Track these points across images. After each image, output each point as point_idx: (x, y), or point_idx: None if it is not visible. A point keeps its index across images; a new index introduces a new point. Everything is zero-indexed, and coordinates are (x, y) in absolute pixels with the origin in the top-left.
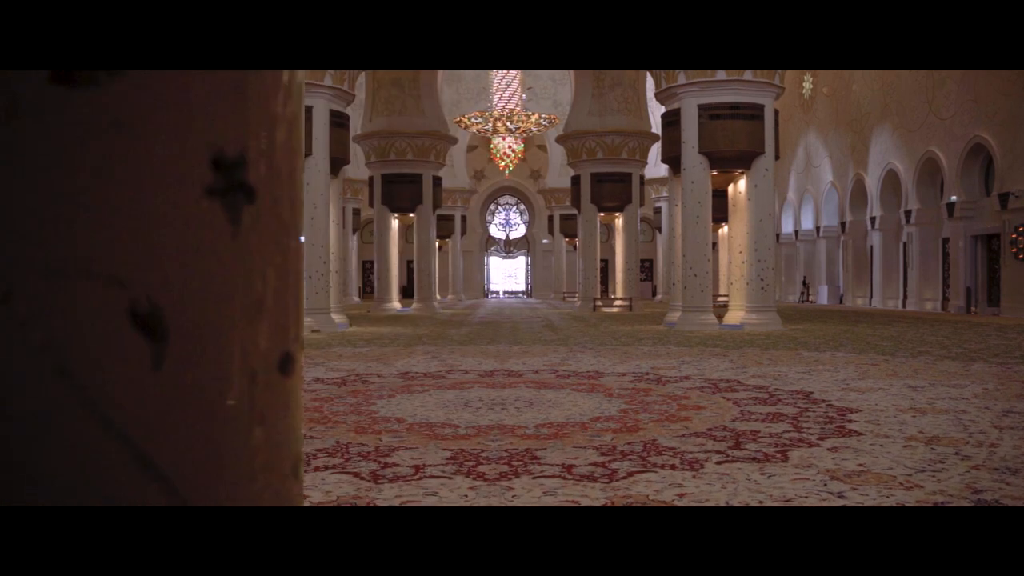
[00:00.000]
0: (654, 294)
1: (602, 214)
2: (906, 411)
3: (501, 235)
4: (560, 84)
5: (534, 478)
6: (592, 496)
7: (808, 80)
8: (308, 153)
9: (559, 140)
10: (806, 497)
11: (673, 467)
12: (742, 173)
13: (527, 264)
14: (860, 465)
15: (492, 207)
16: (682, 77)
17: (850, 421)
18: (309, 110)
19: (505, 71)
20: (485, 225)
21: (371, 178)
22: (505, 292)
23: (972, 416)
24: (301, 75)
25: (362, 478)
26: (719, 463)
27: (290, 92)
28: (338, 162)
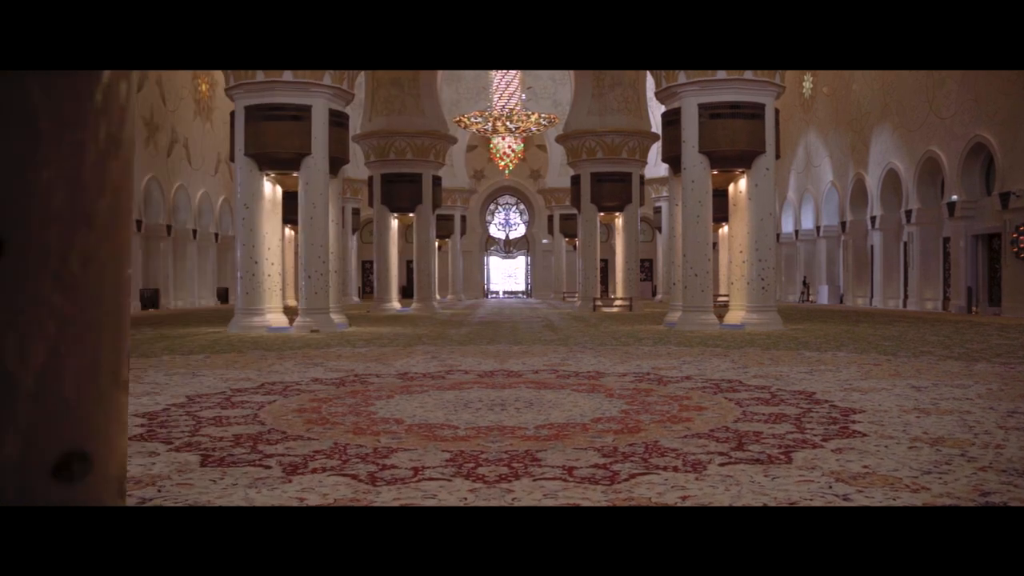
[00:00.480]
0: (654, 294)
1: (602, 214)
2: (910, 412)
3: (501, 235)
4: (560, 84)
5: (534, 480)
6: (594, 499)
7: (808, 80)
8: (307, 152)
9: (559, 140)
10: (811, 500)
11: (676, 469)
12: (742, 172)
13: (527, 264)
14: (865, 467)
15: (492, 207)
16: (682, 76)
17: (854, 422)
18: (308, 109)
19: (505, 71)
20: (485, 225)
21: (371, 178)
22: (505, 292)
23: (977, 417)
24: (125, 87)
25: (360, 480)
26: (722, 465)
27: (107, 107)
28: (337, 161)
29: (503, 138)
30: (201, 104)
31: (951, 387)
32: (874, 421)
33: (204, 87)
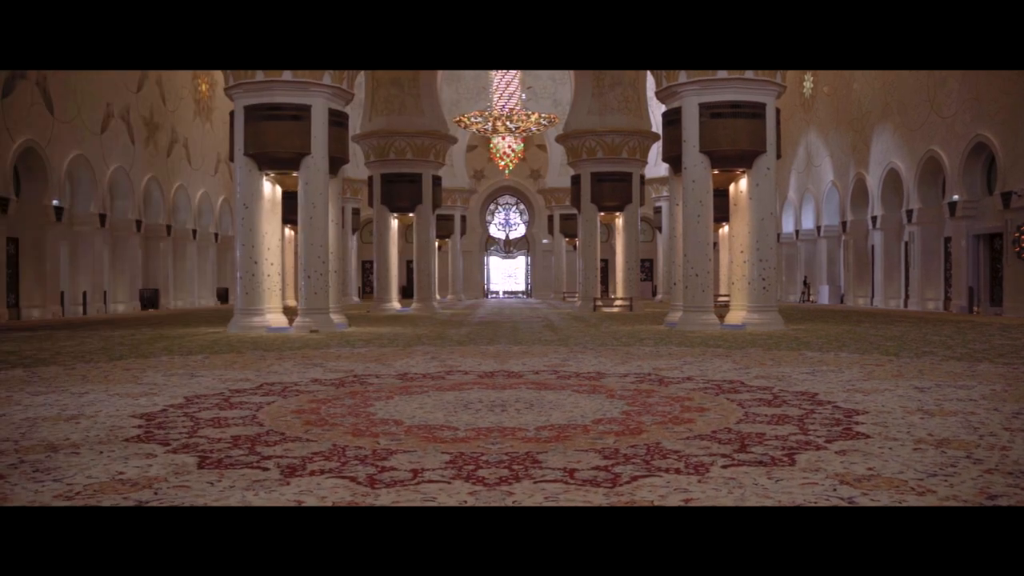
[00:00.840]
0: (654, 294)
1: (602, 214)
2: (913, 413)
3: (501, 235)
4: (560, 83)
5: (535, 483)
6: (595, 502)
7: (808, 79)
8: (307, 152)
9: (559, 139)
10: (815, 502)
11: (678, 471)
12: (743, 172)
13: (527, 264)
14: (870, 469)
15: (492, 207)
16: (683, 76)
17: (857, 423)
18: (307, 109)
19: (505, 71)
20: (485, 225)
21: (370, 178)
22: (505, 292)
23: (981, 418)
24: None
25: (359, 483)
26: (725, 467)
27: None
28: (337, 161)
29: (503, 138)
30: (201, 104)
31: (954, 388)
32: (878, 422)
33: (204, 87)
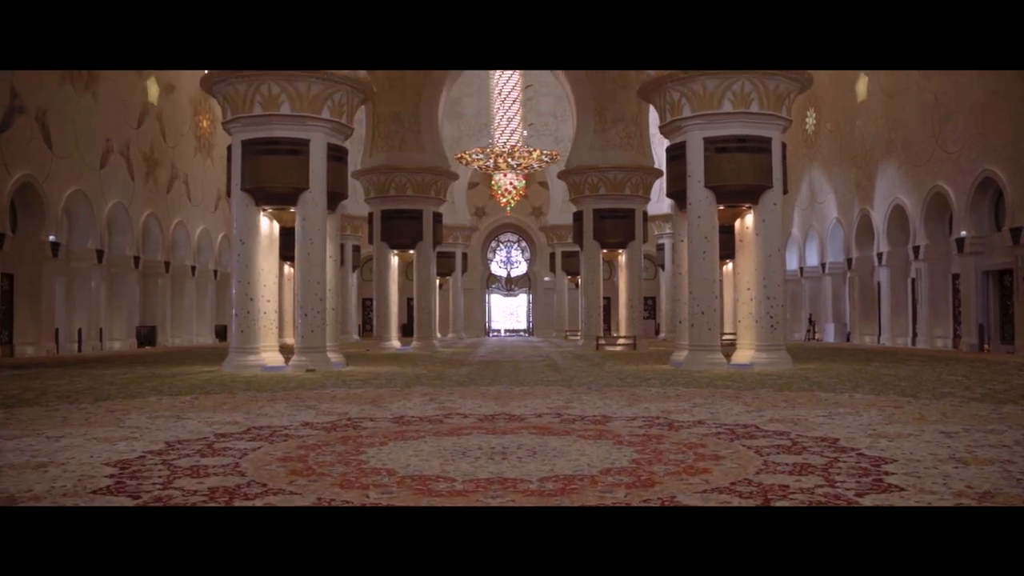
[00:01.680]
0: (657, 332)
1: (605, 251)
2: (946, 461)
3: (502, 272)
4: (561, 120)
5: None
6: None
7: (811, 115)
8: (304, 187)
9: (561, 176)
10: None
11: None
12: (749, 208)
13: (528, 302)
14: None
15: (493, 244)
16: (687, 109)
17: (887, 473)
18: (306, 143)
19: (506, 107)
20: (486, 262)
21: (371, 214)
22: (506, 330)
23: (1021, 467)
24: None
25: None
26: None
27: None
28: (336, 197)
29: (504, 175)
30: (202, 140)
31: (984, 433)
32: (909, 472)
33: (205, 123)
